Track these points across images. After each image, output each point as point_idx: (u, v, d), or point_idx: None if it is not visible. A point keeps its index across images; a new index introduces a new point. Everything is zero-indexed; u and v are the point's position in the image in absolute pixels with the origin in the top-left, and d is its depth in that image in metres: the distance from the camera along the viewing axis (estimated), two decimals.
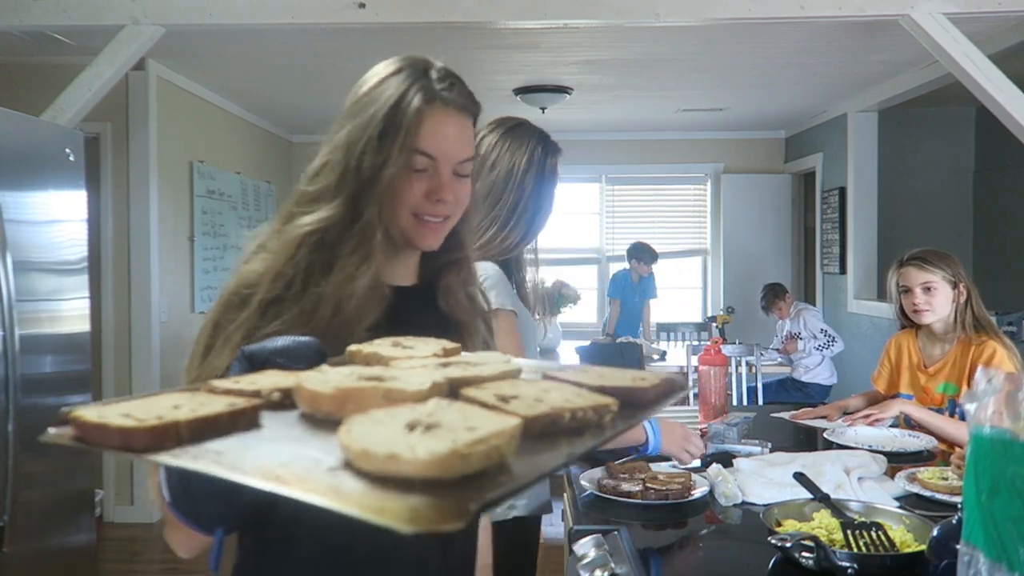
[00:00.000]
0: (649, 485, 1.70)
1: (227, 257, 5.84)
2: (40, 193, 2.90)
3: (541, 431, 0.65)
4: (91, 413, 0.66)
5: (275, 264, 1.02)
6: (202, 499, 0.85)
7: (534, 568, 1.94)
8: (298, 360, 0.84)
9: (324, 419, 0.68)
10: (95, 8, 3.64)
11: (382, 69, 1.14)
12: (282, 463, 0.60)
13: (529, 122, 1.87)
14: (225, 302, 1.02)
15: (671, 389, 0.78)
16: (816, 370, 5.34)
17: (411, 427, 0.60)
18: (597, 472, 1.85)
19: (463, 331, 1.16)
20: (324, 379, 0.72)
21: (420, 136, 1.05)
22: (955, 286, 2.44)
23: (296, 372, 0.78)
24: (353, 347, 0.88)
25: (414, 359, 0.83)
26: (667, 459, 2.05)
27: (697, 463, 1.98)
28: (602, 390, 0.73)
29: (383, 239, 1.06)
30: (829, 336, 5.33)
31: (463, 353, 0.89)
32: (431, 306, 1.16)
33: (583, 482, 1.80)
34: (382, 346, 0.88)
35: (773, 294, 5.72)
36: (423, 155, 1.06)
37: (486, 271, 1.70)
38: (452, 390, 0.73)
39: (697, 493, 1.71)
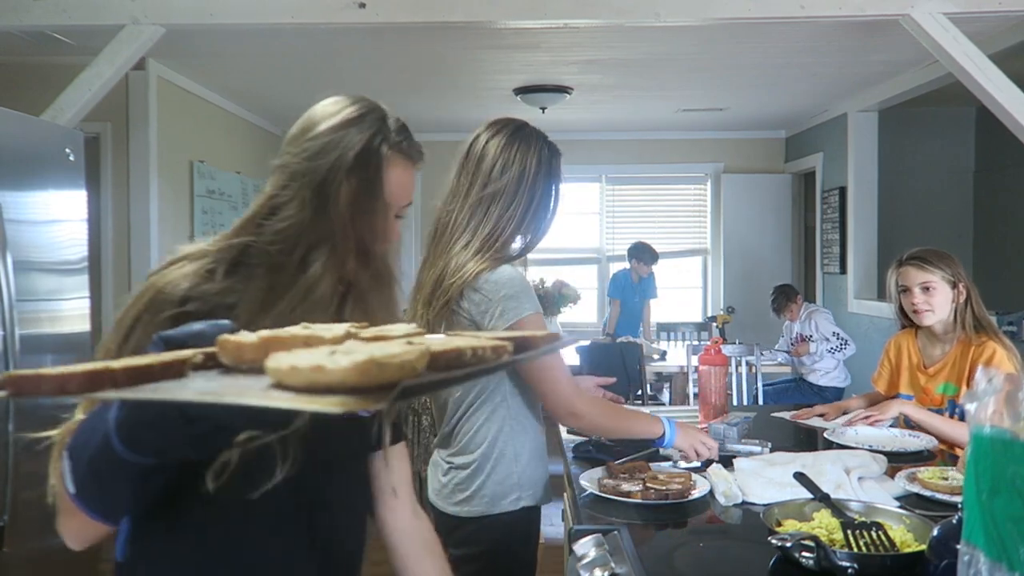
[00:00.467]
0: (649, 485, 1.70)
1: None
2: (40, 193, 2.90)
3: (447, 364, 0.72)
4: (26, 372, 0.70)
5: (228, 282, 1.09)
6: (110, 486, 0.89)
7: (535, 557, 1.96)
8: (214, 342, 0.88)
9: (246, 370, 0.75)
10: (95, 8, 3.64)
11: (339, 110, 1.19)
12: (219, 388, 0.69)
13: (528, 123, 1.89)
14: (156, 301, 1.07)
15: (554, 338, 0.91)
16: (833, 373, 5.33)
17: (332, 353, 0.67)
18: (597, 472, 1.85)
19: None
20: (246, 333, 0.78)
21: (383, 185, 1.16)
22: (954, 286, 2.44)
23: None
24: (265, 332, 0.90)
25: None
26: (667, 458, 2.05)
27: (697, 463, 1.98)
28: (499, 339, 0.81)
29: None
30: (841, 339, 5.27)
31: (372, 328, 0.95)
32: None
33: (583, 482, 1.80)
34: (292, 329, 0.93)
35: (784, 296, 5.63)
36: (384, 200, 1.17)
37: (511, 278, 1.75)
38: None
39: (697, 493, 1.71)
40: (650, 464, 1.90)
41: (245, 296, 1.09)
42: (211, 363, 0.79)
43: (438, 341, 0.77)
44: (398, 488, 1.31)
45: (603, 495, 1.71)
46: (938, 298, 2.44)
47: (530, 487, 1.85)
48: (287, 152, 1.20)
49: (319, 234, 1.13)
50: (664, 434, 1.94)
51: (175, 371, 0.75)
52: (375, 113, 1.21)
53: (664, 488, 1.68)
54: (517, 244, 1.83)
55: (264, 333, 0.77)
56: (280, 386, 0.65)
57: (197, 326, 0.91)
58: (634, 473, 1.80)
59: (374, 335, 0.82)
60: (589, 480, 1.80)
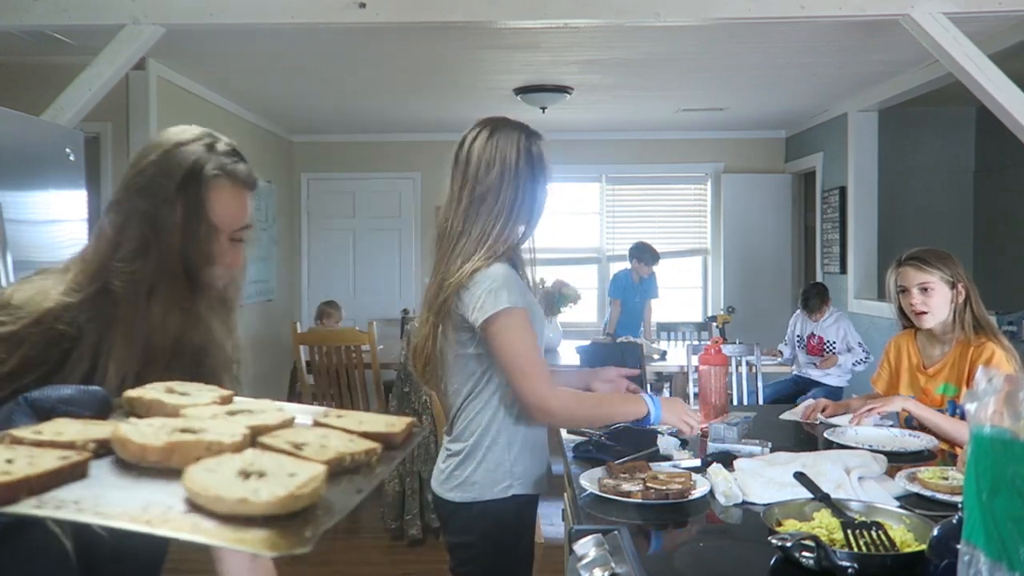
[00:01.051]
0: (650, 485, 1.70)
1: None
2: (40, 193, 2.90)
3: (331, 471, 0.81)
4: None
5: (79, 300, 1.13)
6: None
7: (530, 550, 1.97)
8: (85, 408, 0.92)
9: (148, 467, 0.81)
10: (95, 8, 3.64)
11: (164, 140, 1.22)
12: (142, 508, 0.72)
13: (508, 118, 1.93)
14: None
15: (413, 434, 0.99)
16: (835, 371, 5.35)
17: (244, 475, 0.75)
18: (598, 472, 1.85)
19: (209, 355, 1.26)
20: (143, 432, 0.83)
21: (207, 208, 1.17)
22: (953, 286, 2.43)
23: (93, 421, 0.89)
24: (131, 393, 0.96)
25: (198, 406, 0.97)
26: (667, 459, 2.05)
27: (697, 463, 1.98)
28: (365, 435, 0.92)
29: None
30: (865, 350, 5.24)
31: (236, 398, 1.03)
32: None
33: (583, 482, 1.80)
34: (158, 391, 0.98)
35: (820, 298, 5.47)
36: (210, 225, 1.18)
37: (493, 275, 1.79)
38: (252, 438, 0.88)
39: (697, 493, 1.71)
40: (650, 464, 1.90)
41: (106, 337, 1.12)
42: (102, 450, 0.83)
43: (316, 440, 0.88)
44: None
45: (603, 495, 1.71)
46: (936, 299, 2.44)
47: (522, 476, 1.88)
48: (121, 189, 1.21)
49: (159, 271, 1.15)
50: (649, 412, 1.92)
51: (80, 471, 0.79)
52: (201, 140, 1.22)
53: (664, 488, 1.68)
54: (513, 235, 1.87)
55: (167, 439, 0.82)
56: (200, 509, 0.72)
57: (67, 390, 0.93)
58: (634, 473, 1.80)
59: (256, 426, 0.90)
60: (589, 480, 1.80)
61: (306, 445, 0.86)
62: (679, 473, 1.81)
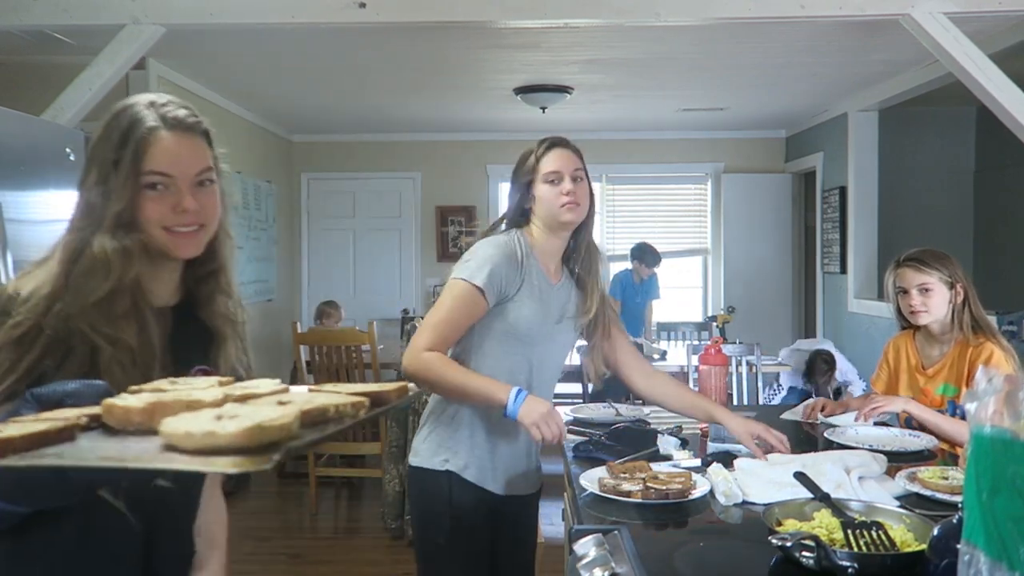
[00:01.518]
0: (650, 485, 1.70)
1: None
2: (40, 192, 2.89)
3: (314, 421, 0.86)
4: None
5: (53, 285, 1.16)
6: None
7: (453, 524, 2.00)
8: (88, 400, 0.96)
9: (133, 431, 0.85)
10: (95, 7, 3.64)
11: (117, 105, 1.24)
12: (118, 452, 0.79)
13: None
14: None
15: (406, 391, 1.05)
16: None
17: (218, 418, 0.79)
18: (598, 472, 1.85)
19: (218, 338, 1.30)
20: (126, 398, 0.88)
21: (149, 159, 1.17)
22: (952, 287, 2.43)
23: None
24: (134, 387, 0.99)
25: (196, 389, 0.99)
26: (668, 458, 2.05)
27: (697, 463, 1.98)
28: (356, 395, 0.96)
29: (143, 257, 1.19)
30: (858, 375, 5.29)
31: (238, 384, 1.04)
32: (193, 319, 1.29)
33: (583, 482, 1.80)
34: (161, 384, 1.01)
35: (827, 365, 5.31)
36: (157, 174, 1.18)
37: (473, 247, 2.04)
38: (232, 399, 0.92)
39: (697, 493, 1.71)
40: (650, 464, 1.90)
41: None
42: (94, 424, 0.88)
43: (304, 398, 0.90)
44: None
45: (604, 495, 1.71)
46: (935, 299, 2.44)
47: (464, 458, 2.00)
48: (83, 164, 1.25)
49: (118, 233, 1.17)
50: (506, 404, 1.85)
51: (67, 435, 0.84)
52: (143, 101, 1.24)
53: (664, 488, 1.68)
54: (512, 223, 2.11)
55: (149, 397, 0.87)
56: (173, 448, 0.76)
57: (72, 385, 0.98)
58: (634, 473, 1.80)
59: (244, 394, 0.93)
60: (589, 480, 1.80)
61: (292, 402, 0.89)
62: (679, 473, 1.81)
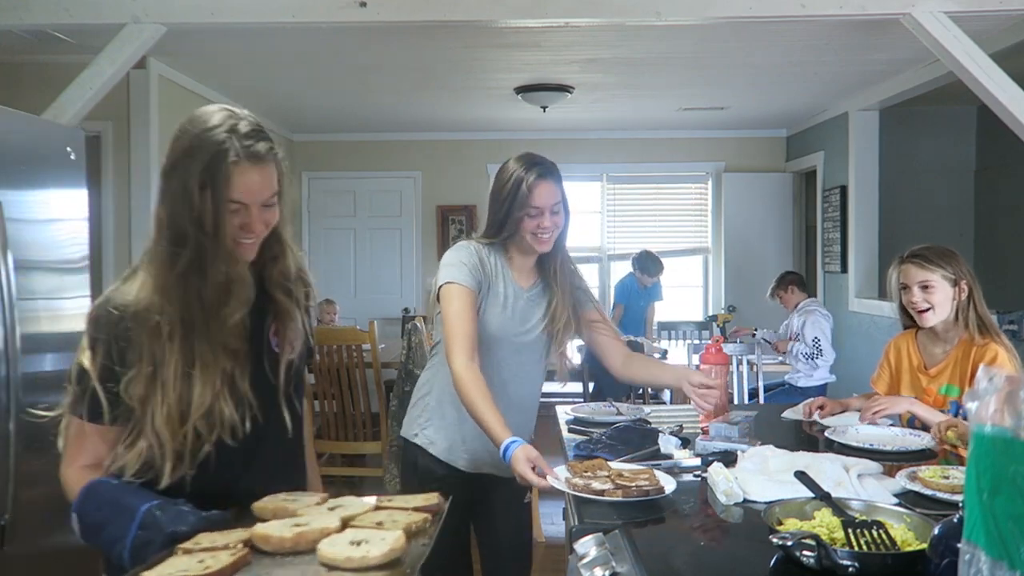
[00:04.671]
0: (618, 483, 1.69)
1: None
2: (41, 192, 2.90)
3: (408, 537, 1.27)
4: None
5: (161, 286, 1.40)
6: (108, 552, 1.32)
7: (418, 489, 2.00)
8: (218, 527, 1.27)
9: (284, 553, 1.22)
10: (96, 7, 3.64)
11: (198, 124, 1.40)
12: (300, 572, 1.17)
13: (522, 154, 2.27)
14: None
15: (443, 502, 1.46)
16: (814, 375, 5.29)
17: (355, 543, 1.19)
18: (562, 471, 1.83)
19: (280, 310, 1.54)
20: (277, 527, 1.26)
21: (231, 189, 1.35)
22: (955, 284, 2.42)
23: (226, 531, 1.26)
24: (257, 504, 1.39)
25: (309, 507, 1.39)
26: (668, 458, 2.05)
27: (697, 462, 1.98)
28: (415, 509, 1.39)
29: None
30: (818, 347, 5.14)
31: (330, 500, 1.44)
32: (264, 293, 1.53)
33: (551, 481, 1.76)
34: (277, 500, 1.41)
35: (777, 281, 5.54)
36: (235, 202, 1.37)
37: (449, 251, 2.20)
38: (344, 523, 1.31)
39: (668, 489, 1.71)
40: (608, 461, 1.89)
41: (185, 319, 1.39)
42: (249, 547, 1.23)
43: (387, 520, 1.33)
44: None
45: (577, 494, 1.70)
46: (938, 296, 2.42)
47: (432, 433, 2.22)
48: (160, 177, 1.42)
49: (199, 248, 1.37)
50: (504, 449, 1.88)
51: (245, 562, 1.19)
52: (224, 126, 1.38)
53: (632, 485, 1.68)
54: (491, 230, 2.23)
55: (294, 531, 1.23)
56: (336, 568, 1.15)
57: (197, 523, 1.27)
58: (596, 471, 1.79)
59: (346, 516, 1.34)
60: (556, 480, 1.77)
61: (381, 523, 1.31)
62: (641, 470, 1.80)
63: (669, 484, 1.74)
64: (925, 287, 2.43)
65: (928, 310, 2.44)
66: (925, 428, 2.36)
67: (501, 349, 2.18)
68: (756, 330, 5.65)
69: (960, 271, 2.43)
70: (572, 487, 1.73)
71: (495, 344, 2.17)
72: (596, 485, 1.70)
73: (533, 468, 1.79)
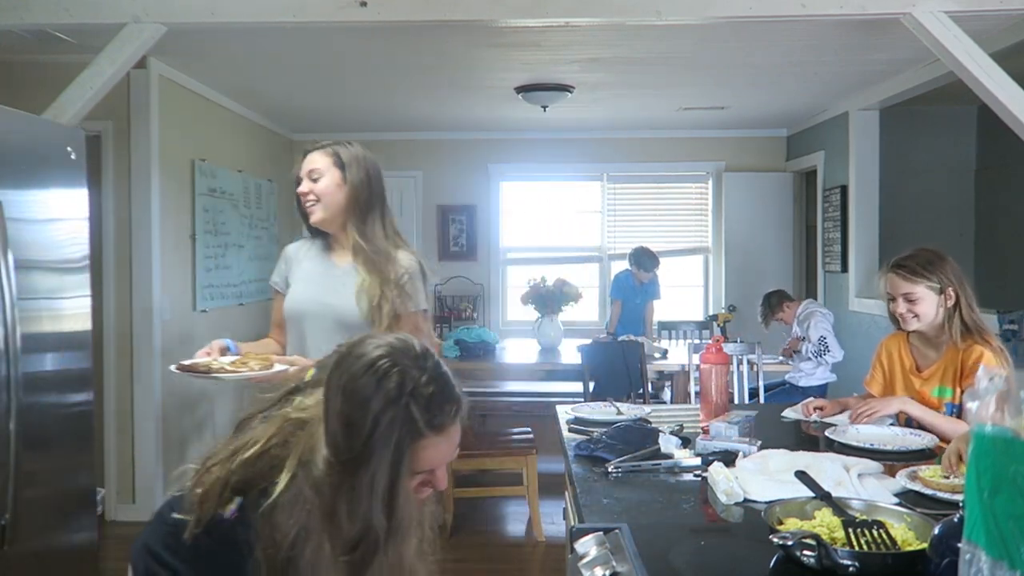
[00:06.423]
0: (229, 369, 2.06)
1: (228, 255, 5.83)
2: (41, 191, 2.89)
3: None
4: None
5: None
6: None
7: None
8: None
9: None
10: (96, 6, 3.64)
11: (377, 395, 1.26)
12: None
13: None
14: None
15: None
16: (816, 373, 5.29)
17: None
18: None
19: None
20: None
21: (417, 461, 1.27)
22: (941, 292, 2.41)
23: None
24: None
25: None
26: (668, 457, 2.04)
27: (698, 461, 1.98)
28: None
29: None
30: (824, 345, 5.19)
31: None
32: None
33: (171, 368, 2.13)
34: None
35: (768, 306, 5.58)
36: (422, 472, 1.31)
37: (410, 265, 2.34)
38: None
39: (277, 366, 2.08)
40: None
41: None
42: None
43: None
44: None
45: (194, 372, 2.08)
46: (923, 307, 2.42)
47: None
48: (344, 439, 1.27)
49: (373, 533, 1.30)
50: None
51: None
52: (404, 392, 1.25)
53: (245, 368, 2.06)
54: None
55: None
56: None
57: None
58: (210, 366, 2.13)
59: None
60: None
61: None
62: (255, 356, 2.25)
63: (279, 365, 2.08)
64: (910, 299, 2.42)
65: (914, 317, 2.43)
66: (922, 428, 2.36)
67: (299, 321, 2.37)
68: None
69: (945, 278, 2.41)
70: (184, 368, 2.10)
71: (292, 318, 2.39)
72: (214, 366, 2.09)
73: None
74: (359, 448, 1.22)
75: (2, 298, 2.58)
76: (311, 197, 2.29)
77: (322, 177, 2.28)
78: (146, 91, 4.69)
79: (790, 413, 2.74)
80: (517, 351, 5.94)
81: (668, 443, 2.14)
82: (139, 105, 4.68)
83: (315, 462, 1.24)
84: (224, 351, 2.23)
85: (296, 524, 1.21)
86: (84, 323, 3.10)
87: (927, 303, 2.41)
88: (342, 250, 2.36)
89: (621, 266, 6.56)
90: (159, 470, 4.72)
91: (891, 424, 2.48)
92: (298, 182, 2.32)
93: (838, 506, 1.46)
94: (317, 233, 2.40)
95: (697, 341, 6.03)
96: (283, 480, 1.24)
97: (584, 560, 1.39)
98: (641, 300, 6.37)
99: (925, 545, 1.24)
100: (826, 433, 2.37)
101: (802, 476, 1.65)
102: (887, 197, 6.16)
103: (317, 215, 2.30)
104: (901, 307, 2.44)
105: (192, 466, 1.34)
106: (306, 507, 1.22)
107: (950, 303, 2.41)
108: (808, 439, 2.45)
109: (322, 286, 2.34)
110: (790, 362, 5.42)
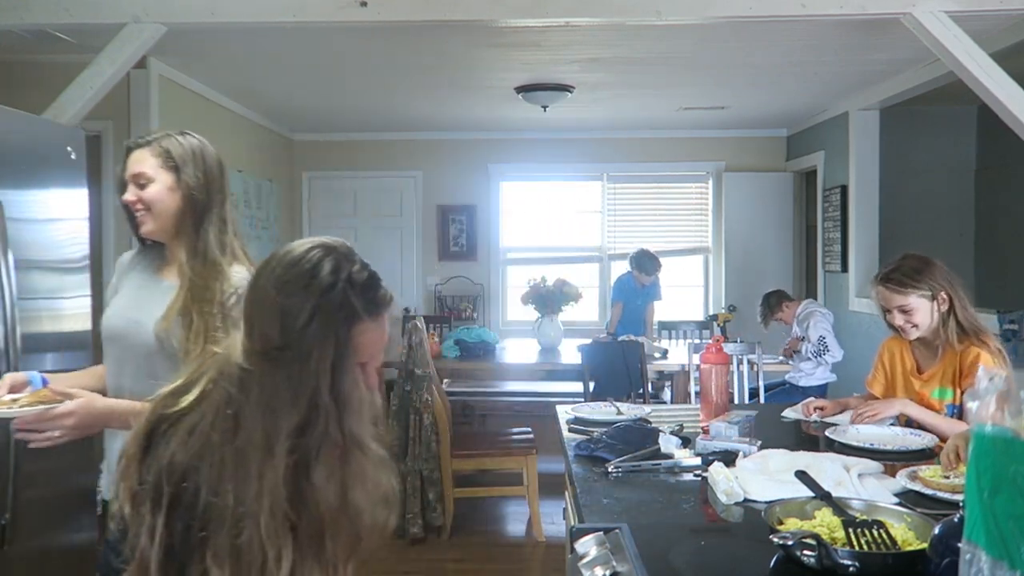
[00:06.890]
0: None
1: None
2: (42, 191, 2.90)
3: None
4: None
5: None
6: None
7: None
8: None
9: None
10: (96, 6, 3.64)
11: (318, 282, 1.26)
12: None
13: None
14: None
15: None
16: (816, 373, 5.29)
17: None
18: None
19: None
20: None
21: (355, 348, 1.27)
22: (933, 298, 2.41)
23: None
24: None
25: None
26: (668, 457, 2.04)
27: (698, 461, 1.98)
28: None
29: None
30: (824, 344, 5.19)
31: None
32: None
33: None
34: None
35: (767, 306, 5.58)
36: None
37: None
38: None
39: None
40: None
41: None
42: None
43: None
44: None
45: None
46: (918, 316, 2.42)
47: None
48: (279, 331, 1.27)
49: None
50: None
51: None
52: (340, 275, 1.26)
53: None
54: None
55: None
56: None
57: None
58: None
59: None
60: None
61: None
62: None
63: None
64: (904, 310, 2.42)
65: (912, 327, 2.44)
66: (922, 429, 2.36)
67: (112, 341, 1.96)
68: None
69: (936, 284, 2.40)
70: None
71: (107, 337, 1.97)
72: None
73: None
74: (295, 337, 1.23)
75: (2, 298, 2.58)
76: (139, 207, 1.93)
77: (151, 183, 1.92)
78: (146, 91, 4.69)
79: (790, 413, 2.74)
80: (517, 351, 5.94)
81: (668, 443, 2.14)
82: (139, 105, 4.68)
83: (235, 365, 1.25)
84: (22, 386, 1.82)
85: (218, 427, 1.21)
86: (84, 323, 3.10)
87: (922, 312, 2.41)
88: (174, 261, 1.97)
89: (621, 266, 6.56)
90: None
91: (891, 424, 2.48)
92: (123, 187, 1.94)
93: (838, 506, 1.46)
94: (152, 242, 2.03)
95: (697, 341, 6.02)
96: (193, 393, 1.25)
97: (584, 560, 1.39)
98: (642, 302, 6.37)
99: (925, 545, 1.24)
100: (826, 433, 2.37)
101: (802, 476, 1.65)
102: (887, 197, 6.16)
103: (147, 226, 1.95)
104: (898, 319, 2.44)
105: None
106: (230, 409, 1.22)
107: (944, 307, 2.41)
108: (808, 439, 2.45)
109: (137, 302, 1.96)
110: (790, 362, 5.41)
